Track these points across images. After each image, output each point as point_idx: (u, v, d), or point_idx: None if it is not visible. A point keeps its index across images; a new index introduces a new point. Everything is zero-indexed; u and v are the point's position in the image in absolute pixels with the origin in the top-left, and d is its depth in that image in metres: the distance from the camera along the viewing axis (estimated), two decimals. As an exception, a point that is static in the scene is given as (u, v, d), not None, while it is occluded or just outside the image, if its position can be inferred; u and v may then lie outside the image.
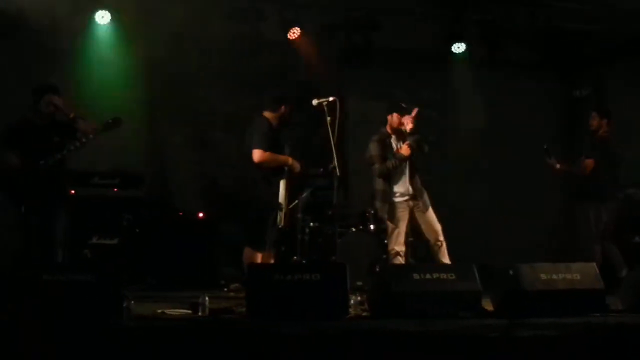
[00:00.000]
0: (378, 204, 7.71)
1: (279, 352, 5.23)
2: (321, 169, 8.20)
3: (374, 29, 9.51)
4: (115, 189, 8.38)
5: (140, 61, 9.26)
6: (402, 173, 7.75)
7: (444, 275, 6.30)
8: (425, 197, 7.81)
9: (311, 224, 8.44)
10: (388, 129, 7.84)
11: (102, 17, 8.78)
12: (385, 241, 7.82)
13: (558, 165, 8.37)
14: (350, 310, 6.20)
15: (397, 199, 7.73)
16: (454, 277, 6.30)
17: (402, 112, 7.78)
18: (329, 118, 7.02)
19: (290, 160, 7.42)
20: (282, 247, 8.46)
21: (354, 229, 8.43)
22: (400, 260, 7.57)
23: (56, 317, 5.60)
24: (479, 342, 5.43)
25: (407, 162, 7.74)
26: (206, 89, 9.40)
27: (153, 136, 9.63)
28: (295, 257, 8.20)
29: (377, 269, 7.84)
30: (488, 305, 6.49)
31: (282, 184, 7.39)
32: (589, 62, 10.75)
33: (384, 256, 8.12)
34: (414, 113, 7.65)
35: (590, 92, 10.66)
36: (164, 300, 6.85)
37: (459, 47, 9.89)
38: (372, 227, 8.37)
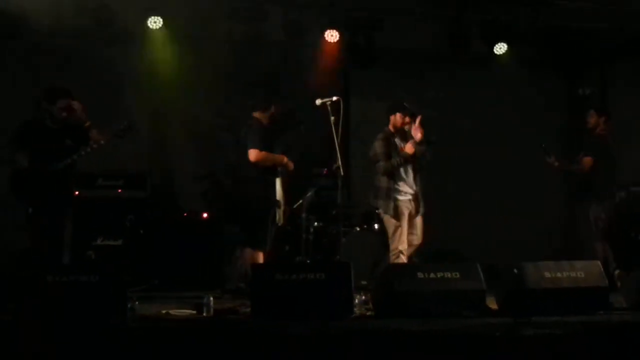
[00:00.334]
0: (381, 202, 7.70)
1: (284, 352, 5.24)
2: (325, 169, 8.21)
3: (376, 29, 9.50)
4: (119, 190, 8.39)
5: (143, 62, 9.26)
6: (405, 172, 7.77)
7: (448, 275, 6.30)
8: (421, 201, 7.82)
9: (315, 223, 8.45)
10: (391, 128, 7.85)
11: (104, 19, 8.77)
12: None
13: (557, 163, 8.38)
14: (354, 309, 6.21)
15: (400, 197, 7.73)
16: (458, 276, 6.30)
17: (405, 112, 7.80)
18: (332, 118, 7.02)
19: (285, 159, 7.55)
20: (286, 247, 8.48)
21: (358, 229, 8.44)
22: (403, 259, 7.57)
23: (60, 318, 5.62)
24: (483, 341, 5.44)
25: (411, 162, 7.74)
26: (209, 90, 9.40)
27: (156, 137, 9.63)
28: (299, 257, 8.20)
29: (381, 268, 7.84)
30: (492, 304, 6.50)
31: (278, 182, 7.48)
32: (591, 62, 10.74)
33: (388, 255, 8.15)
34: (418, 122, 7.67)
35: (593, 91, 10.64)
36: (168, 301, 6.86)
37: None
38: (376, 226, 8.39)
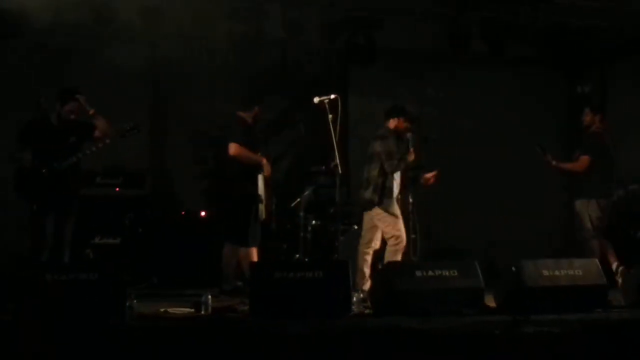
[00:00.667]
0: (386, 200, 7.68)
1: (282, 351, 5.24)
2: (323, 167, 8.21)
3: (376, 28, 9.50)
4: (118, 189, 8.38)
5: (143, 60, 9.26)
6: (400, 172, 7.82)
7: (446, 273, 6.31)
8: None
9: (313, 222, 8.44)
10: (390, 130, 7.83)
11: (104, 17, 8.76)
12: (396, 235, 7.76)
13: (554, 162, 8.37)
14: (353, 308, 6.21)
15: (396, 196, 7.78)
16: (456, 274, 6.31)
17: (407, 117, 7.88)
18: (330, 116, 7.02)
19: (263, 160, 7.52)
20: (284, 245, 8.47)
21: (356, 227, 8.43)
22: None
23: (59, 316, 5.61)
24: (482, 339, 5.44)
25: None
26: (208, 88, 9.40)
27: (155, 135, 9.62)
28: (297, 255, 8.20)
29: (380, 266, 7.85)
30: (491, 302, 6.50)
31: (260, 178, 7.47)
32: (591, 61, 10.72)
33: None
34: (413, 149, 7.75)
35: (591, 88, 10.64)
36: (167, 299, 6.86)
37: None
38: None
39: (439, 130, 9.57)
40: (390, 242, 7.63)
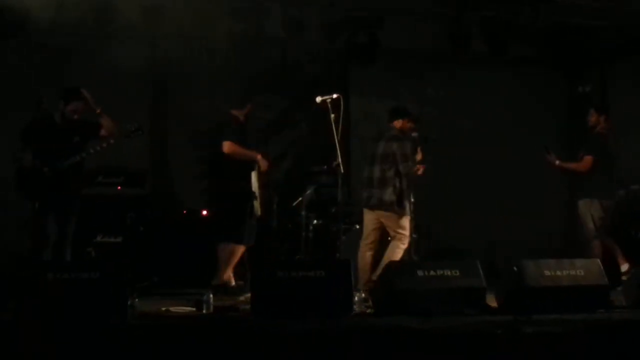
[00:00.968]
0: (406, 202, 7.69)
1: (283, 350, 5.24)
2: (325, 167, 8.21)
3: (377, 28, 9.50)
4: (119, 188, 8.37)
5: (144, 60, 9.25)
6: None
7: (448, 272, 6.31)
8: None
9: (315, 221, 8.43)
10: (398, 131, 7.83)
11: (105, 17, 8.76)
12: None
13: (557, 162, 8.38)
14: (354, 307, 6.21)
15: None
16: (458, 273, 6.31)
17: (411, 117, 7.90)
18: (332, 115, 7.02)
19: (259, 156, 7.54)
20: (286, 244, 8.47)
21: (357, 226, 8.43)
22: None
23: (60, 315, 5.61)
24: (483, 339, 5.44)
25: None
26: (209, 87, 9.40)
27: (156, 134, 9.62)
28: (298, 255, 8.20)
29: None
30: (492, 301, 6.50)
31: (253, 175, 7.47)
32: (591, 61, 10.73)
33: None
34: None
35: (592, 88, 10.64)
36: (168, 298, 6.86)
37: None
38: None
39: (439, 130, 9.57)
40: (397, 242, 7.63)
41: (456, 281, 6.28)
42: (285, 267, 6.19)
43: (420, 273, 6.29)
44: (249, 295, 6.92)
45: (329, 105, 7.08)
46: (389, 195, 7.65)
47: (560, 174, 9.02)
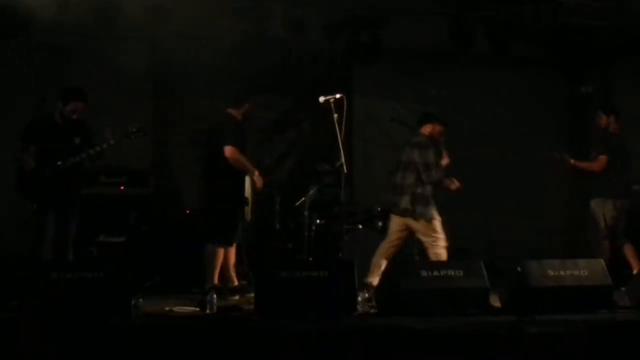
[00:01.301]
0: (421, 208, 7.67)
1: (286, 350, 5.25)
2: (328, 167, 8.21)
3: (380, 27, 9.50)
4: (122, 187, 8.37)
5: (145, 60, 9.26)
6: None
7: (451, 272, 6.32)
8: None
9: (318, 221, 8.43)
10: (426, 137, 7.83)
11: (107, 16, 8.76)
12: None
13: (572, 161, 8.36)
14: (358, 307, 6.21)
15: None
16: (461, 274, 6.32)
17: (440, 122, 7.90)
18: (335, 115, 7.02)
19: (256, 173, 7.42)
20: (289, 244, 8.47)
21: (360, 227, 8.44)
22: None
23: (64, 315, 5.62)
24: (486, 339, 5.45)
25: None
26: (211, 87, 9.39)
27: (159, 134, 9.61)
28: (301, 255, 8.20)
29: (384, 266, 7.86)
30: (496, 302, 6.50)
31: (247, 179, 7.41)
32: (592, 61, 10.72)
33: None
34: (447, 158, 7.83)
35: (594, 89, 10.64)
36: (172, 298, 6.86)
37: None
38: (379, 224, 8.39)
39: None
40: (430, 246, 7.64)
41: (459, 281, 6.29)
42: (288, 267, 6.20)
43: (423, 273, 6.30)
44: (248, 295, 6.96)
45: (332, 106, 7.08)
46: (404, 202, 7.67)
47: (559, 174, 9.02)
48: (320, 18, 9.50)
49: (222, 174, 7.31)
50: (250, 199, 7.43)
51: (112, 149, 7.26)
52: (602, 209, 8.12)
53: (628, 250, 8.12)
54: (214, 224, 7.37)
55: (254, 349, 5.30)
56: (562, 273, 6.36)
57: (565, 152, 8.44)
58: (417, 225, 7.64)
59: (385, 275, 6.80)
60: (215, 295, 6.35)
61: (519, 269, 6.38)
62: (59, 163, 6.97)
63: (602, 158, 8.16)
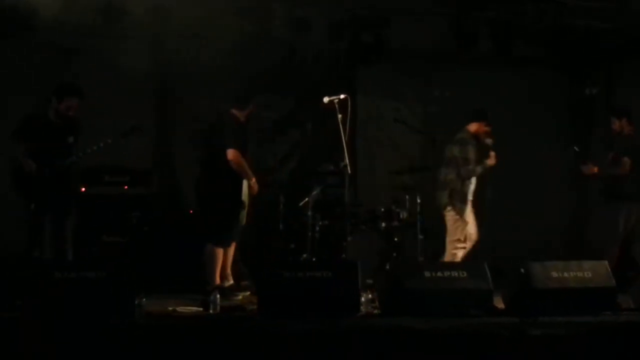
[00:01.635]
0: (459, 205, 7.93)
1: (290, 350, 5.24)
2: (331, 167, 8.20)
3: (383, 27, 9.49)
4: (125, 187, 8.36)
5: (148, 59, 9.26)
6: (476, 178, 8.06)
7: (455, 273, 6.32)
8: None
9: (321, 221, 8.42)
10: (470, 134, 7.88)
11: (111, 15, 8.75)
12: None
13: (595, 169, 8.29)
14: (361, 308, 6.21)
15: (470, 199, 8.00)
16: (465, 275, 6.32)
17: (487, 121, 8.11)
18: (340, 116, 7.02)
19: (253, 180, 7.37)
20: (292, 245, 8.46)
21: (364, 227, 8.43)
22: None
23: (67, 315, 5.62)
24: (489, 341, 5.45)
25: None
26: (213, 87, 9.38)
27: (161, 134, 9.62)
28: (305, 255, 8.19)
29: (388, 267, 7.86)
30: (499, 303, 6.49)
31: (244, 182, 7.38)
32: (597, 61, 10.71)
33: (394, 254, 8.15)
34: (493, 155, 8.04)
35: (598, 90, 10.63)
36: (175, 298, 6.86)
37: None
38: (383, 224, 8.39)
39: (444, 130, 9.55)
40: (449, 242, 7.86)
41: (463, 282, 6.29)
42: (291, 268, 6.20)
43: (427, 274, 6.30)
44: (251, 296, 6.96)
45: (337, 106, 7.08)
46: (443, 198, 7.94)
47: (560, 174, 8.99)
48: (322, 18, 9.49)
49: (221, 174, 7.29)
50: (246, 203, 7.42)
51: (115, 148, 7.29)
52: (621, 213, 8.05)
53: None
54: (213, 224, 7.35)
55: (257, 349, 5.29)
56: (565, 275, 6.35)
57: (589, 161, 8.41)
58: (448, 220, 7.84)
59: (388, 276, 6.79)
60: (218, 296, 6.35)
61: (522, 270, 6.37)
62: (59, 163, 6.96)
63: (626, 160, 8.06)
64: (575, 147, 8.56)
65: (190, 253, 7.79)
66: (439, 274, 6.29)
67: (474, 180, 8.03)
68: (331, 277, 6.12)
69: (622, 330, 5.84)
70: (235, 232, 7.44)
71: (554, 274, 6.34)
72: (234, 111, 7.49)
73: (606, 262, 6.59)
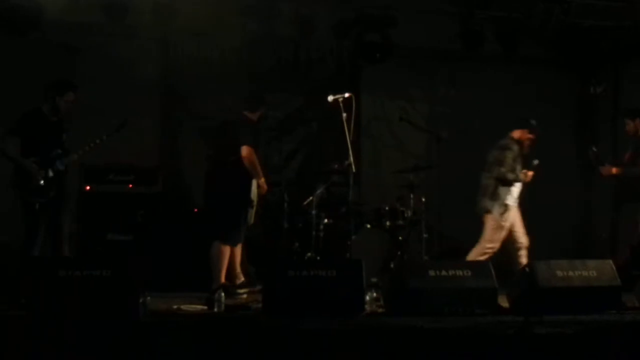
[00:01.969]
0: (497, 208, 7.91)
1: (294, 348, 5.25)
2: (336, 166, 8.20)
3: (388, 26, 9.48)
4: (130, 185, 8.37)
5: (154, 57, 9.27)
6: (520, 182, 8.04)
7: (460, 272, 6.32)
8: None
9: (325, 220, 8.42)
10: (513, 140, 7.97)
11: (115, 14, 8.76)
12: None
13: (614, 170, 8.28)
14: (366, 306, 6.21)
15: (511, 203, 7.95)
16: (470, 274, 6.32)
17: (532, 129, 8.10)
18: (344, 114, 7.01)
19: (262, 179, 7.42)
20: (296, 243, 8.46)
21: (368, 226, 8.43)
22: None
23: (72, 313, 5.63)
24: (494, 339, 5.44)
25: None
26: (220, 85, 9.39)
27: (167, 132, 9.62)
28: (309, 254, 8.19)
29: (392, 266, 7.86)
30: (504, 302, 6.49)
31: (253, 182, 7.39)
32: (604, 60, 10.68)
33: (399, 253, 8.15)
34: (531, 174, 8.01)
35: (605, 88, 10.60)
36: (180, 296, 6.86)
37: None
38: (387, 223, 8.38)
39: (450, 129, 9.55)
40: (482, 247, 7.86)
41: (468, 281, 6.29)
42: (296, 266, 6.22)
43: (431, 273, 6.31)
44: (256, 294, 6.96)
45: (341, 105, 7.08)
46: (484, 202, 7.97)
47: (568, 173, 8.94)
48: (328, 17, 9.50)
49: (231, 173, 7.31)
50: (255, 202, 7.43)
51: (118, 145, 7.37)
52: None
53: None
54: (222, 222, 7.36)
55: (261, 348, 5.29)
56: (570, 274, 6.36)
57: (605, 161, 8.39)
58: (487, 224, 7.89)
59: (393, 275, 6.79)
60: (223, 294, 6.36)
61: (527, 269, 6.36)
62: (58, 163, 6.97)
63: None
64: (593, 148, 8.55)
65: (195, 251, 7.80)
66: (444, 272, 6.29)
67: (518, 185, 7.98)
68: (336, 276, 6.13)
69: (627, 329, 5.84)
70: (243, 230, 7.44)
71: (559, 273, 6.34)
72: (247, 113, 7.52)
73: (611, 261, 6.59)
